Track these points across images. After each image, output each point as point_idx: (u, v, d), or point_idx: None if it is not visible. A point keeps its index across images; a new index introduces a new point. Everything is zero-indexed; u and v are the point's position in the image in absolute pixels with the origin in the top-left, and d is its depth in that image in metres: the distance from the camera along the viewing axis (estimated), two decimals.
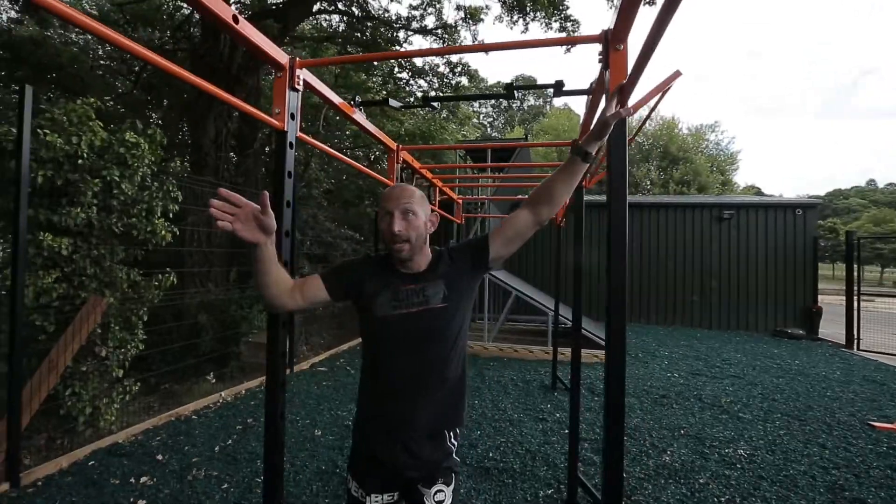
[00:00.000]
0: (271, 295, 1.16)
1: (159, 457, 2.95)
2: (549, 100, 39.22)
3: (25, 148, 2.44)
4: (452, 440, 1.28)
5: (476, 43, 8.67)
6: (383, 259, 1.29)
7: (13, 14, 7.06)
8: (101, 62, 9.48)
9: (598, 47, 1.24)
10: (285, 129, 1.46)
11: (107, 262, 3.15)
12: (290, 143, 1.49)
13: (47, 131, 2.71)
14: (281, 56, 1.41)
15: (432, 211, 1.28)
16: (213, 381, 4.54)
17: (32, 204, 2.68)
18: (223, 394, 4.25)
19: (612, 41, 1.16)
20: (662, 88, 2.29)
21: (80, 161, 2.85)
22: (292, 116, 1.48)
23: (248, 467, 2.82)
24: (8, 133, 2.68)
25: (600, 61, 1.21)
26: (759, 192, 24.02)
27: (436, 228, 1.27)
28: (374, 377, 1.27)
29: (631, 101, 1.11)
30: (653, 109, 2.68)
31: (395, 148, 2.67)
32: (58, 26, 8.65)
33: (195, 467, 2.81)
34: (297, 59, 1.46)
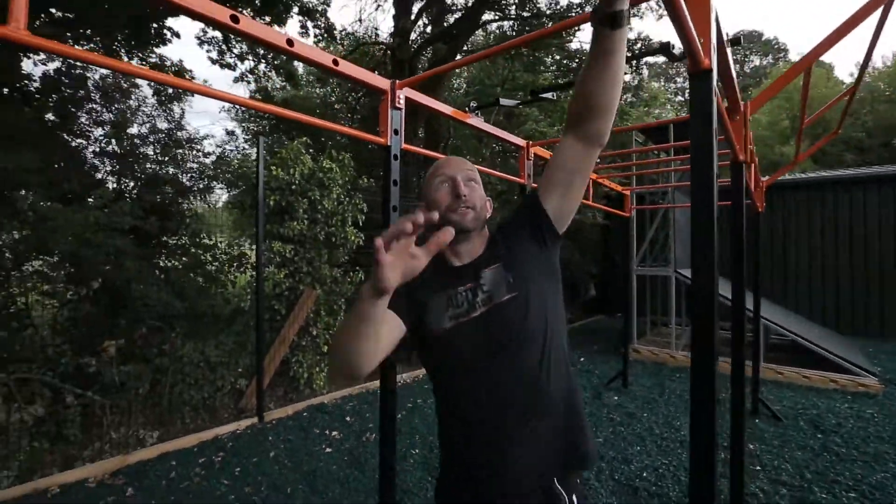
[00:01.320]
0: (359, 365, 0.82)
1: (348, 418, 3.67)
2: (780, 57, 31.15)
3: (260, 181, 3.43)
4: (576, 497, 0.93)
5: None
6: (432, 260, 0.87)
7: (277, 84, 9.92)
8: (336, 107, 12.33)
9: None
10: (388, 143, 1.67)
11: (316, 262, 4.10)
12: (395, 156, 1.70)
13: (274, 167, 3.74)
14: (382, 82, 1.63)
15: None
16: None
17: (268, 221, 3.72)
18: (403, 376, 4.94)
19: None
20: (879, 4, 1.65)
21: (293, 186, 3.83)
22: (395, 132, 1.69)
23: (407, 439, 3.25)
24: (254, 171, 3.81)
25: None
26: None
27: (490, 214, 1.09)
28: (446, 418, 0.99)
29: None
30: (873, 44, 1.93)
31: (524, 145, 2.66)
32: (305, 85, 11.58)
33: (370, 431, 3.40)
34: (397, 81, 1.66)
